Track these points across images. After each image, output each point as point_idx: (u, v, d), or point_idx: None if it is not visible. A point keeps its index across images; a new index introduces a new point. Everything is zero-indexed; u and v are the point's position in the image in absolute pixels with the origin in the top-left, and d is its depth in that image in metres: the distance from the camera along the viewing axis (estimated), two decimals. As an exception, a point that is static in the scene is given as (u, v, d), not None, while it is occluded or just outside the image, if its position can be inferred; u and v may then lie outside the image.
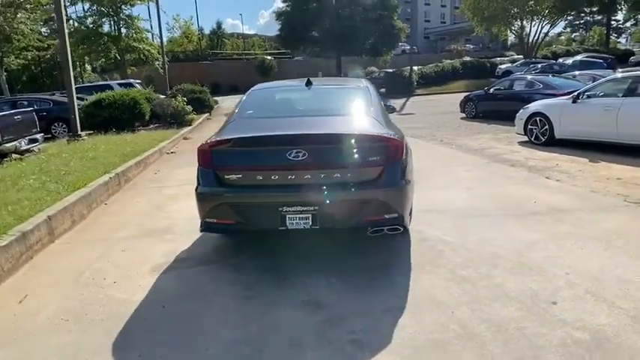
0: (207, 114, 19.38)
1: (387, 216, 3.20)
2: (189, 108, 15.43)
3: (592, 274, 3.09)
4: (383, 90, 26.72)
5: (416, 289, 3.01)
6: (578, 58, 31.95)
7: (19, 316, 2.90)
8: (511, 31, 35.84)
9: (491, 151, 8.34)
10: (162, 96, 17.28)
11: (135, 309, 2.92)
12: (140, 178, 7.20)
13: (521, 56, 36.98)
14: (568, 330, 2.45)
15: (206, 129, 14.57)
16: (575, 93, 8.07)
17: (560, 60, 32.51)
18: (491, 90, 13.80)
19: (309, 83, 4.20)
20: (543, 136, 8.61)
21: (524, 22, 33.14)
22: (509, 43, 57.24)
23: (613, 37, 55.31)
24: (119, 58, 25.98)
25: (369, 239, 3.83)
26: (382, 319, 2.66)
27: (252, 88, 4.44)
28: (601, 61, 30.45)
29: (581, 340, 2.36)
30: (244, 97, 4.16)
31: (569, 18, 53.02)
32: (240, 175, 3.23)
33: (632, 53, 35.79)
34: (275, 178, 3.18)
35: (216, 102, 23.14)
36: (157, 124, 15.01)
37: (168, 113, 14.74)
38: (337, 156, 3.18)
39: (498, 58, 38.02)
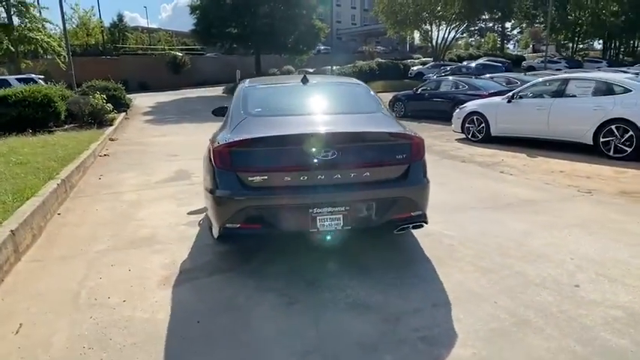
0: (124, 113, 17.92)
1: (413, 213, 3.25)
2: (109, 107, 14.15)
3: (592, 258, 3.43)
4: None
5: (449, 283, 3.09)
6: (481, 61, 35.16)
7: (26, 350, 2.44)
8: (421, 35, 38.25)
9: (436, 148, 8.84)
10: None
11: (167, 328, 2.62)
12: (84, 183, 6.46)
13: (429, 59, 39.67)
14: (603, 309, 2.70)
15: (130, 129, 13.54)
16: (510, 94, 8.88)
17: (465, 63, 35.49)
18: (419, 90, 14.62)
19: (305, 80, 4.10)
20: (480, 133, 9.35)
21: (433, 27, 35.60)
22: (415, 45, 61.13)
23: (501, 44, 61.57)
24: (13, 50, 22.93)
25: (376, 237, 3.87)
26: (436, 315, 2.70)
27: (244, 85, 4.20)
28: (500, 64, 33.84)
29: (618, 317, 2.62)
30: (241, 95, 3.91)
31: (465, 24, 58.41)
32: (267, 177, 3.05)
33: (524, 58, 40.30)
34: (304, 179, 3.05)
35: (131, 100, 21.49)
36: (73, 124, 13.50)
37: (87, 112, 13.37)
38: (366, 155, 3.15)
39: (409, 60, 40.38)
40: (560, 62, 38.43)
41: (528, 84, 9.00)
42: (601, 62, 40.07)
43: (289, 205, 3.05)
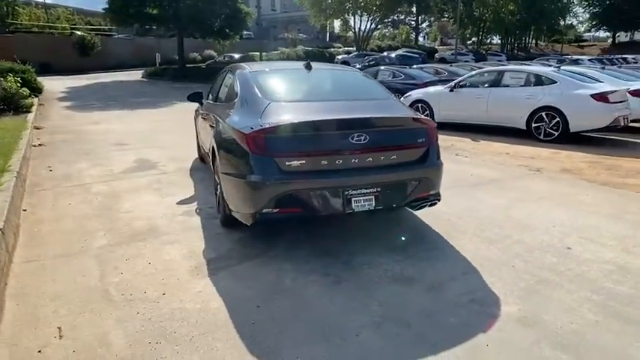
0: (36, 99, 16.13)
1: (431, 192, 3.54)
2: (25, 91, 12.68)
3: (569, 225, 4.00)
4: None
5: (466, 253, 3.43)
6: (400, 52, 36.87)
7: (85, 352, 2.29)
8: (342, 24, 39.10)
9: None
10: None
11: (229, 315, 2.61)
12: (35, 177, 5.85)
13: (351, 48, 40.74)
14: (598, 265, 3.21)
15: (54, 117, 12.29)
16: (452, 84, 9.62)
17: (385, 53, 37.04)
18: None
19: (309, 66, 4.18)
20: (424, 119, 10.00)
21: (356, 17, 36.59)
22: (335, 34, 62.17)
23: (414, 36, 65.05)
24: None
25: (382, 218, 4.12)
26: (470, 281, 3.01)
27: (246, 70, 4.13)
28: (417, 55, 35.79)
29: (611, 270, 3.14)
30: (251, 80, 3.86)
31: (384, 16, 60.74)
32: (304, 161, 3.11)
33: (436, 50, 43.07)
34: (339, 162, 3.17)
35: (42, 85, 19.33)
36: (-22, 111, 11.91)
37: (-1, 97, 11.87)
38: (394, 138, 3.35)
39: (333, 49, 41.10)
40: (468, 55, 41.71)
41: (467, 75, 9.82)
42: (501, 55, 44.19)
43: (326, 187, 3.15)
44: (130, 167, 6.35)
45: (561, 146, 7.66)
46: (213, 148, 3.98)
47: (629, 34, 60.06)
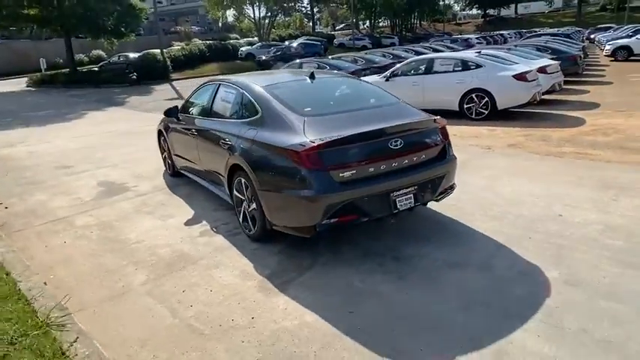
0: None
1: (451, 184, 3.97)
2: None
3: (547, 195, 4.74)
4: (134, 76, 24.67)
5: (486, 232, 3.94)
6: (301, 41, 37.29)
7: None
8: (236, 14, 38.26)
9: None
10: None
11: (331, 325, 2.78)
12: (-9, 217, 5.20)
13: (251, 39, 40.20)
14: (591, 226, 3.92)
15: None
16: (387, 73, 10.28)
17: (287, 43, 37.25)
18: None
19: (313, 77, 4.35)
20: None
21: (254, 7, 36.10)
22: (228, 24, 60.51)
23: (306, 23, 66.03)
24: None
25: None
26: (507, 255, 3.51)
27: (261, 85, 4.13)
28: (319, 43, 36.57)
29: (603, 229, 3.86)
30: (269, 95, 3.92)
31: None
32: (355, 171, 3.33)
33: (334, 36, 44.32)
34: (383, 168, 3.45)
35: None
36: None
37: None
38: (421, 140, 3.71)
39: (233, 40, 40.13)
40: (364, 39, 43.71)
41: (400, 65, 10.54)
42: (393, 37, 47.09)
43: (377, 192, 3.41)
44: (99, 192, 5.92)
45: (493, 123, 8.69)
46: (235, 166, 3.97)
47: (497, 10, 67.47)
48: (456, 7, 73.83)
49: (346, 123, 3.56)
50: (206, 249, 4.00)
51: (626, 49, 20.03)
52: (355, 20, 48.47)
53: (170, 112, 5.62)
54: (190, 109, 5.46)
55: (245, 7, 36.23)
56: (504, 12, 68.56)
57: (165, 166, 6.57)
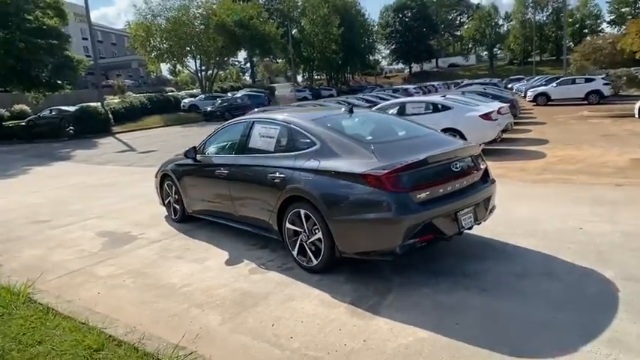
0: None
1: (493, 205, 4.28)
2: None
3: (558, 214, 5.22)
4: (71, 130, 23.51)
5: (529, 246, 4.25)
6: (244, 92, 37.96)
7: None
8: (185, 67, 38.43)
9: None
10: None
11: (450, 338, 2.83)
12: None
13: (193, 90, 40.19)
14: (609, 235, 4.38)
15: None
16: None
17: (230, 94, 37.68)
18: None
19: (352, 111, 4.59)
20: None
21: (197, 60, 36.40)
22: (162, 78, 60.12)
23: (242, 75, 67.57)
24: None
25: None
26: (560, 263, 3.81)
27: (310, 119, 4.32)
28: (262, 94, 37.46)
29: (620, 235, 4.34)
30: (321, 129, 4.07)
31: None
32: (428, 192, 3.52)
33: (274, 89, 45.69)
34: (450, 189, 3.68)
35: None
36: None
37: None
38: (471, 164, 4.01)
39: (172, 93, 39.74)
40: (305, 91, 45.45)
41: (374, 108, 11.14)
42: (331, 90, 49.44)
43: (448, 211, 3.61)
44: (104, 242, 5.53)
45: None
46: (291, 198, 3.99)
47: (419, 65, 73.78)
48: (384, 62, 79.94)
49: (408, 149, 3.79)
50: (267, 285, 3.89)
51: (545, 95, 22.79)
52: (294, 73, 50.55)
53: (188, 154, 5.52)
54: (209, 150, 5.41)
55: (186, 59, 36.37)
56: (427, 66, 75.36)
57: (169, 211, 6.29)
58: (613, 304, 3.08)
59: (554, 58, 68.15)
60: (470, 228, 3.85)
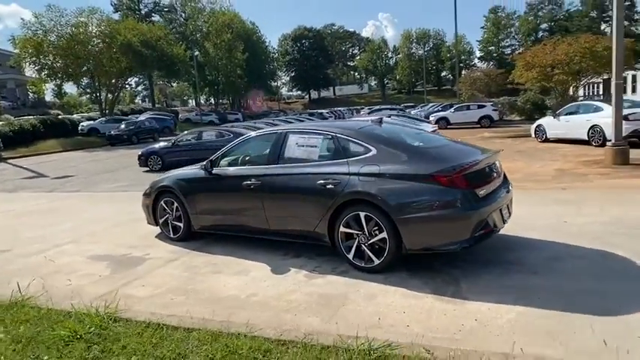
0: None
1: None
2: None
3: (536, 213, 6.10)
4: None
5: (555, 239, 4.97)
6: (149, 115, 36.08)
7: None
8: (80, 88, 35.16)
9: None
10: None
11: (552, 310, 3.28)
12: None
13: (90, 113, 36.92)
14: (596, 225, 5.31)
15: None
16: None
17: (132, 117, 35.43)
18: (181, 142, 14.78)
19: (381, 121, 4.99)
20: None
21: (96, 81, 33.56)
22: (44, 100, 54.09)
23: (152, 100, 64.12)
24: None
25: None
26: (590, 252, 4.46)
27: (356, 129, 4.66)
28: (168, 117, 36.02)
29: (608, 223, 5.29)
30: (371, 136, 4.37)
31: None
32: (484, 190, 4.02)
33: (178, 112, 44.00)
34: (493, 188, 4.23)
35: None
36: None
37: None
38: (497, 167, 4.59)
39: (63, 116, 36.05)
40: (211, 115, 44.54)
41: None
42: (237, 114, 49.16)
43: (499, 207, 4.14)
44: (109, 265, 5.06)
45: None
46: (348, 202, 4.17)
47: (317, 92, 77.11)
48: (284, 89, 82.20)
49: (453, 154, 4.29)
50: (337, 287, 3.99)
51: (445, 119, 25.64)
52: (197, 97, 49.26)
53: (205, 167, 5.37)
54: (228, 163, 5.35)
55: (82, 80, 33.36)
56: (324, 93, 79.11)
57: (166, 230, 5.93)
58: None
59: (437, 88, 76.90)
60: (504, 223, 4.42)
